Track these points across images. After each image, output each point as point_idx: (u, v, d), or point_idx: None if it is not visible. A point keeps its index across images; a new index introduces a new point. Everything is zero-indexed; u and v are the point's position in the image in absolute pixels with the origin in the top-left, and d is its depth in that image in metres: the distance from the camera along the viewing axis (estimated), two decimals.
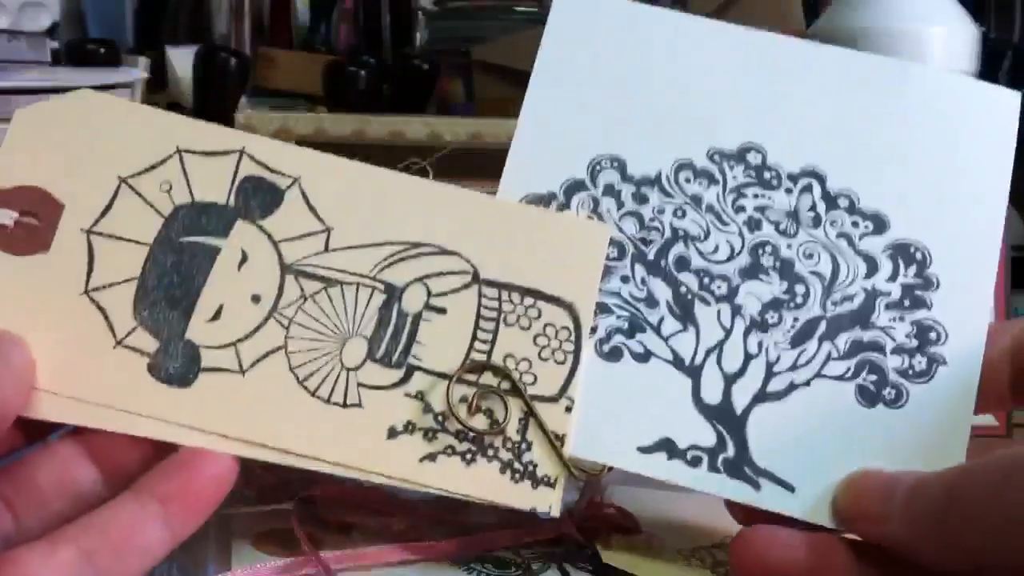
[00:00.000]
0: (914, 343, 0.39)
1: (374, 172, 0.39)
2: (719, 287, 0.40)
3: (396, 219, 0.38)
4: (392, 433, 0.36)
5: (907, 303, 0.40)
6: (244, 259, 0.37)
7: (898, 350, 0.39)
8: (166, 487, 0.34)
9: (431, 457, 0.36)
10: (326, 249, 0.37)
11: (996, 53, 0.93)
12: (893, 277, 0.40)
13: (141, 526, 0.33)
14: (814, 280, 0.40)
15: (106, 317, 0.36)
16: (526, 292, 0.38)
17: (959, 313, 0.39)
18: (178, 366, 0.36)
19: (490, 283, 0.38)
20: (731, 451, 0.38)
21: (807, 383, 0.39)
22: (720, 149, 0.41)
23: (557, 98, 0.42)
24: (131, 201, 0.37)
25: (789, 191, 0.41)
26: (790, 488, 0.38)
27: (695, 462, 0.38)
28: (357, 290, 0.37)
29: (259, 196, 0.38)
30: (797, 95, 0.41)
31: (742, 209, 0.40)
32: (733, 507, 0.39)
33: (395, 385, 0.37)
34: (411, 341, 0.37)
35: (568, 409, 0.37)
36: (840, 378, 0.39)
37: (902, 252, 0.40)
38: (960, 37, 0.78)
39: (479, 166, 0.72)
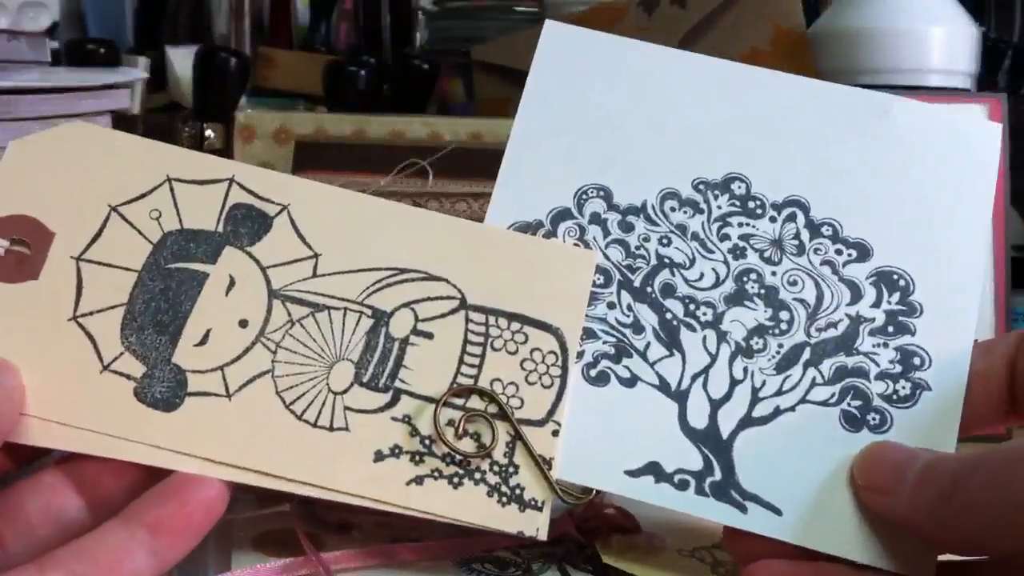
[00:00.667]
0: (898, 369, 0.40)
1: (362, 200, 0.39)
2: (704, 313, 0.40)
3: (384, 245, 0.38)
4: (379, 456, 0.36)
5: (891, 329, 0.40)
6: (232, 284, 0.37)
7: (882, 376, 0.40)
8: (156, 514, 0.34)
9: (418, 480, 0.36)
10: (314, 275, 0.38)
11: (996, 53, 0.93)
12: (877, 303, 0.40)
13: (129, 553, 0.33)
14: (798, 307, 0.40)
15: (94, 343, 0.36)
16: (513, 317, 0.38)
17: (942, 339, 0.40)
18: (164, 390, 0.36)
19: (477, 308, 0.38)
20: (718, 475, 0.38)
21: (792, 408, 0.39)
22: (705, 179, 0.42)
23: (545, 128, 0.43)
24: (121, 228, 0.38)
25: (773, 220, 0.41)
26: (777, 511, 0.38)
27: (682, 486, 0.38)
28: (344, 315, 0.37)
29: (248, 223, 0.38)
30: (781, 127, 0.42)
31: (727, 237, 0.41)
32: (731, 543, 0.39)
33: (382, 409, 0.37)
34: (398, 365, 0.37)
35: (555, 433, 0.38)
36: (825, 403, 0.39)
37: (885, 279, 0.41)
38: (960, 37, 0.78)
39: (479, 166, 0.72)
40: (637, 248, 0.41)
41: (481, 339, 0.38)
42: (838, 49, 0.79)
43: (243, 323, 0.37)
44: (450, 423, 0.37)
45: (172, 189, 0.38)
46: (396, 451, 0.37)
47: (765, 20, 0.83)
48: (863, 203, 0.41)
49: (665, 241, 0.41)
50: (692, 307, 0.40)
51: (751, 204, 0.41)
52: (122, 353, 0.36)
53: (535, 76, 0.44)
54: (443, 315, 0.38)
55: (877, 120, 0.42)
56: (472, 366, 0.38)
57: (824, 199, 0.41)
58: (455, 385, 0.37)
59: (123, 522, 0.34)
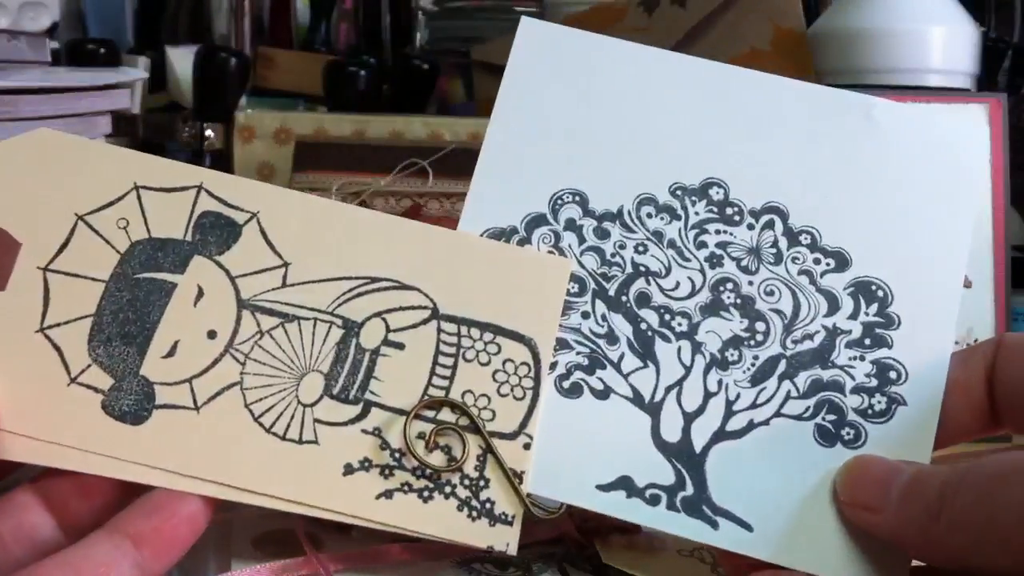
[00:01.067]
0: (874, 383, 0.39)
1: (334, 207, 0.39)
2: (680, 324, 0.39)
3: (355, 254, 0.38)
4: (348, 470, 0.36)
5: (868, 342, 0.39)
6: (200, 295, 0.37)
7: (857, 389, 0.39)
8: (140, 527, 0.34)
9: (387, 494, 0.36)
10: (284, 284, 0.37)
11: (996, 53, 0.93)
12: (854, 315, 0.40)
13: (114, 564, 0.33)
14: (775, 318, 0.40)
15: (61, 355, 0.36)
16: (485, 327, 0.38)
17: (920, 352, 0.39)
18: (132, 403, 0.36)
19: (449, 318, 0.38)
20: (690, 490, 0.38)
21: (766, 422, 0.39)
22: (682, 184, 0.41)
23: (519, 132, 0.41)
24: (88, 238, 0.37)
25: (751, 227, 0.40)
26: (748, 527, 0.37)
27: (653, 500, 0.38)
28: (315, 325, 0.37)
29: (216, 231, 0.38)
30: (760, 130, 0.41)
31: (704, 245, 0.40)
32: (724, 557, 0.39)
33: (352, 421, 0.37)
34: (368, 377, 0.37)
35: (526, 446, 0.37)
36: (799, 417, 0.39)
37: (863, 290, 0.40)
38: (960, 37, 0.78)
39: None
40: (613, 256, 0.40)
41: (453, 350, 0.37)
42: (838, 49, 0.79)
43: (211, 334, 0.36)
44: (421, 436, 0.37)
45: (140, 197, 0.38)
46: (366, 464, 0.36)
47: (765, 20, 0.83)
48: (842, 210, 0.40)
49: (641, 249, 0.40)
50: (667, 317, 0.39)
51: (729, 211, 0.40)
52: (89, 365, 0.36)
53: (510, 76, 0.42)
54: (414, 325, 0.37)
55: (857, 123, 0.41)
56: (444, 377, 0.37)
57: (803, 206, 0.40)
58: (426, 397, 0.37)
59: (108, 534, 0.34)
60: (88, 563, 0.33)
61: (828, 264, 0.40)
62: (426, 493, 0.36)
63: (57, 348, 0.36)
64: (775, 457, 0.38)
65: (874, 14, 0.78)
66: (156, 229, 0.37)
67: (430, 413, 0.37)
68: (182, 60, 1.00)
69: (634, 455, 0.38)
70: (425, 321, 0.37)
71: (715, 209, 0.41)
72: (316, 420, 0.36)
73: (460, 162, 0.72)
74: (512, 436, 0.37)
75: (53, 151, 0.38)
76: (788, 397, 0.39)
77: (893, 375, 0.39)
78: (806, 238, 0.40)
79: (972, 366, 0.38)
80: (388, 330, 0.37)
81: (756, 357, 0.39)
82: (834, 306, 0.40)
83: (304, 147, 0.76)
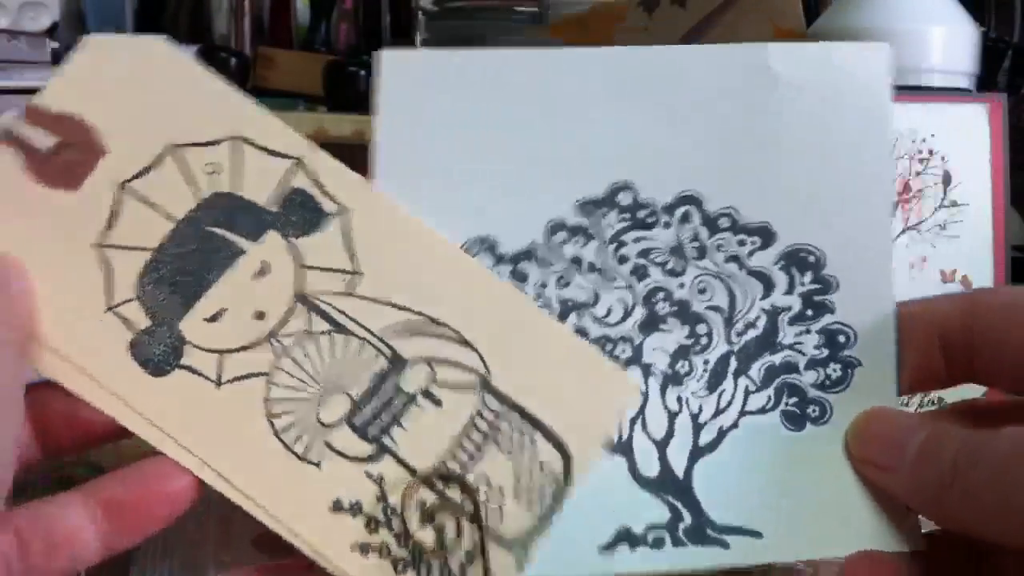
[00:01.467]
0: (825, 352, 0.38)
1: (428, 234, 0.36)
2: (623, 351, 0.38)
3: (428, 288, 0.35)
4: (337, 507, 0.34)
5: (810, 312, 0.38)
6: (263, 271, 0.35)
7: (811, 364, 0.38)
8: (118, 495, 0.33)
9: (363, 548, 0.34)
10: (348, 292, 0.35)
11: (996, 53, 0.93)
12: (790, 289, 0.38)
13: (79, 532, 0.32)
14: (713, 316, 0.38)
15: (109, 277, 0.34)
16: (528, 419, 0.35)
17: (864, 310, 0.38)
18: (159, 353, 0.34)
19: (497, 394, 0.35)
20: (688, 519, 0.37)
21: (735, 424, 0.37)
22: (589, 197, 0.38)
23: (406, 188, 0.37)
24: (173, 170, 0.35)
25: (668, 225, 0.38)
26: (758, 535, 0.36)
27: (657, 543, 0.36)
28: (362, 346, 0.35)
29: (302, 212, 0.35)
30: (661, 113, 0.38)
31: (625, 259, 0.38)
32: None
33: (360, 460, 0.35)
34: (394, 421, 0.35)
35: (520, 566, 0.34)
36: (763, 411, 0.38)
37: (794, 260, 0.38)
38: (960, 37, 0.78)
39: None
40: (537, 298, 0.37)
41: (487, 428, 0.35)
42: None
43: (259, 315, 0.35)
44: (420, 503, 0.34)
45: (240, 148, 0.35)
46: (355, 508, 0.34)
47: (765, 20, 0.83)
48: (758, 180, 0.38)
49: (563, 282, 0.37)
50: (609, 347, 0.37)
51: (641, 213, 0.38)
52: (132, 299, 0.34)
53: (383, 122, 0.37)
54: (460, 387, 0.35)
55: (757, 78, 0.38)
56: (467, 453, 0.35)
57: (717, 187, 0.37)
58: (442, 466, 0.35)
59: (84, 497, 0.33)
60: (56, 524, 0.32)
61: (754, 242, 0.38)
62: (401, 566, 0.34)
63: (108, 268, 0.34)
64: (754, 457, 0.37)
65: (874, 14, 0.78)
66: (243, 186, 0.35)
67: (439, 484, 0.35)
68: None
69: (622, 502, 0.36)
70: (472, 387, 0.35)
71: (627, 216, 0.38)
72: (326, 443, 0.35)
73: None
74: (509, 546, 0.35)
75: (166, 66, 0.36)
76: (747, 393, 0.38)
77: (842, 339, 0.38)
78: (726, 221, 0.38)
79: (927, 321, 0.37)
80: (432, 380, 0.35)
81: (707, 362, 0.38)
82: (768, 285, 0.38)
83: None
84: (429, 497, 0.35)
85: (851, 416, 0.37)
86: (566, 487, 0.35)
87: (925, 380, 0.38)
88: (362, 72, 0.90)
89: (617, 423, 0.36)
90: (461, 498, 0.35)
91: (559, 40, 0.87)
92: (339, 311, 0.35)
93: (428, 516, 0.35)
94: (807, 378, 0.38)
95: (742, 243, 0.38)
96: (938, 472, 0.33)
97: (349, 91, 0.90)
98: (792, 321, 0.38)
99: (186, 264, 0.35)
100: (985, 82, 0.88)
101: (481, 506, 0.35)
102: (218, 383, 0.34)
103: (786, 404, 0.38)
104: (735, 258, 0.38)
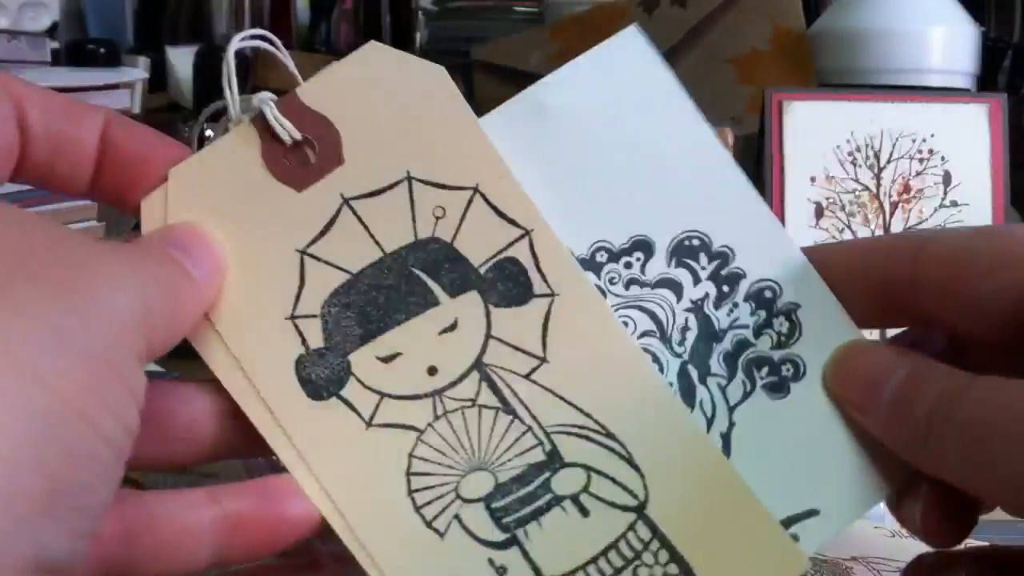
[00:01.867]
0: (763, 314, 0.37)
1: (621, 337, 0.35)
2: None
3: (607, 397, 0.34)
4: None
5: (725, 288, 0.37)
6: (452, 328, 0.33)
7: (758, 331, 0.37)
8: (237, 504, 0.31)
9: None
10: (527, 376, 0.33)
11: (996, 53, 0.93)
12: (696, 279, 0.37)
13: (196, 535, 0.30)
14: (649, 341, 0.36)
15: (300, 287, 0.33)
16: (677, 560, 0.33)
17: (770, 261, 0.37)
18: (322, 377, 0.33)
19: (649, 523, 0.33)
20: None
21: (731, 424, 0.36)
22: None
23: None
24: (402, 202, 0.34)
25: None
26: (815, 512, 0.35)
27: None
28: (524, 434, 0.33)
29: (510, 285, 0.34)
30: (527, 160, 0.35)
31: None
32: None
33: (488, 545, 0.33)
34: (535, 517, 0.33)
35: None
36: (746, 396, 0.36)
37: (683, 252, 0.37)
38: (960, 37, 0.78)
39: None
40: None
41: (631, 555, 0.33)
42: (838, 49, 0.79)
43: (432, 370, 0.33)
44: None
45: (471, 201, 0.34)
46: None
47: (765, 20, 0.83)
48: (608, 206, 0.36)
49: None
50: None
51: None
52: (315, 316, 0.33)
53: None
54: (612, 505, 0.33)
55: (535, 117, 0.36)
56: (601, 574, 0.33)
57: (577, 230, 0.36)
58: None
59: (208, 498, 0.31)
60: (172, 520, 0.30)
61: (638, 258, 0.37)
62: None
63: (302, 278, 0.33)
64: (766, 443, 0.36)
65: (874, 14, 0.78)
66: (462, 239, 0.34)
67: None
68: (182, 60, 1.00)
69: None
70: (624, 509, 0.33)
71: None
72: (457, 516, 0.33)
73: None
74: None
75: (436, 94, 0.34)
76: (722, 389, 0.37)
77: (769, 293, 0.37)
78: (602, 255, 0.37)
79: (878, 260, 0.35)
80: (585, 489, 0.33)
81: (671, 384, 0.36)
82: (675, 287, 0.37)
83: None
84: None
85: (819, 357, 0.36)
86: None
87: (867, 320, 0.36)
88: None
89: None
90: None
91: (559, 41, 0.87)
92: (513, 392, 0.33)
93: None
94: (763, 344, 0.37)
95: (628, 265, 0.37)
96: (912, 425, 0.31)
97: None
98: (717, 304, 0.37)
99: (378, 297, 0.33)
100: (985, 82, 0.88)
101: None
102: (368, 423, 0.33)
103: (761, 378, 0.37)
104: (633, 281, 0.37)
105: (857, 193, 0.70)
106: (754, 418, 0.36)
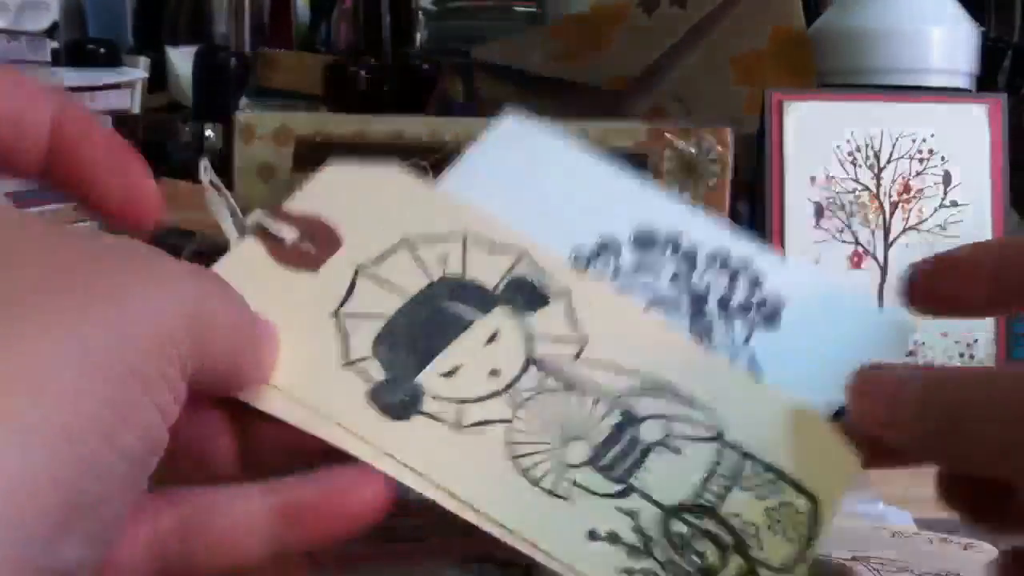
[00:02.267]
0: (726, 272, 0.42)
1: (635, 309, 0.40)
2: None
3: (651, 353, 0.38)
4: (593, 536, 0.35)
5: (687, 263, 0.42)
6: (494, 337, 0.37)
7: (731, 286, 0.41)
8: (298, 495, 0.31)
9: (629, 572, 0.34)
10: (577, 358, 0.37)
11: (996, 53, 0.93)
12: (663, 261, 0.42)
13: (251, 528, 0.30)
14: (658, 310, 0.41)
15: (345, 339, 0.36)
16: (769, 468, 0.37)
17: (701, 225, 0.42)
18: (398, 400, 0.35)
19: (734, 447, 0.37)
20: None
21: (753, 355, 0.41)
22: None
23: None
24: (406, 258, 0.38)
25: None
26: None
27: None
28: (595, 404, 0.37)
29: (526, 293, 0.38)
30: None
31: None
32: None
33: (610, 496, 0.35)
34: (637, 465, 0.36)
35: None
36: (751, 332, 0.40)
37: (643, 240, 0.42)
38: (960, 37, 0.78)
39: None
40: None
41: (730, 474, 0.36)
42: (838, 49, 0.79)
43: (494, 372, 0.36)
44: (678, 535, 0.35)
45: (465, 243, 0.39)
46: (612, 538, 0.35)
47: (765, 20, 0.83)
48: (566, 214, 0.42)
49: None
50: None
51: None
52: (368, 357, 0.36)
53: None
54: (697, 439, 0.37)
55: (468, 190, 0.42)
56: (714, 494, 0.36)
57: (557, 242, 0.41)
58: (695, 503, 0.36)
59: (261, 493, 0.31)
60: (226, 515, 0.30)
61: (609, 258, 0.43)
62: None
63: (344, 332, 0.36)
64: (785, 360, 0.40)
65: (874, 14, 0.78)
66: (471, 273, 0.38)
67: (693, 519, 0.35)
68: (182, 60, 1.00)
69: None
70: (708, 439, 0.37)
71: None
72: (574, 481, 0.35)
73: None
74: (778, 572, 0.35)
75: (398, 185, 0.40)
76: (729, 333, 0.41)
77: (724, 253, 0.42)
78: (582, 261, 0.42)
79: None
80: (668, 433, 0.37)
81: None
82: (651, 270, 0.42)
83: (304, 147, 0.76)
84: (685, 530, 0.35)
85: (789, 288, 0.41)
86: (819, 527, 0.36)
87: (960, 309, 0.38)
88: (362, 72, 0.90)
89: (851, 471, 0.37)
90: (720, 530, 0.35)
91: (559, 41, 0.87)
92: (571, 373, 0.37)
93: (687, 546, 0.35)
94: (739, 295, 0.41)
95: (606, 262, 0.42)
96: (938, 419, 0.32)
97: (349, 91, 0.90)
98: (688, 276, 0.42)
99: (420, 331, 0.37)
100: (985, 82, 0.88)
101: (743, 537, 0.35)
102: (458, 427, 0.36)
103: (754, 318, 0.41)
104: (615, 272, 0.41)
105: (857, 193, 0.70)
106: (766, 344, 0.41)
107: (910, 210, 0.71)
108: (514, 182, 0.43)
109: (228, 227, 0.38)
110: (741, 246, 0.42)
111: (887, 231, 0.70)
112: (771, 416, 0.38)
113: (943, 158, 0.71)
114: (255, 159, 0.80)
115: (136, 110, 0.93)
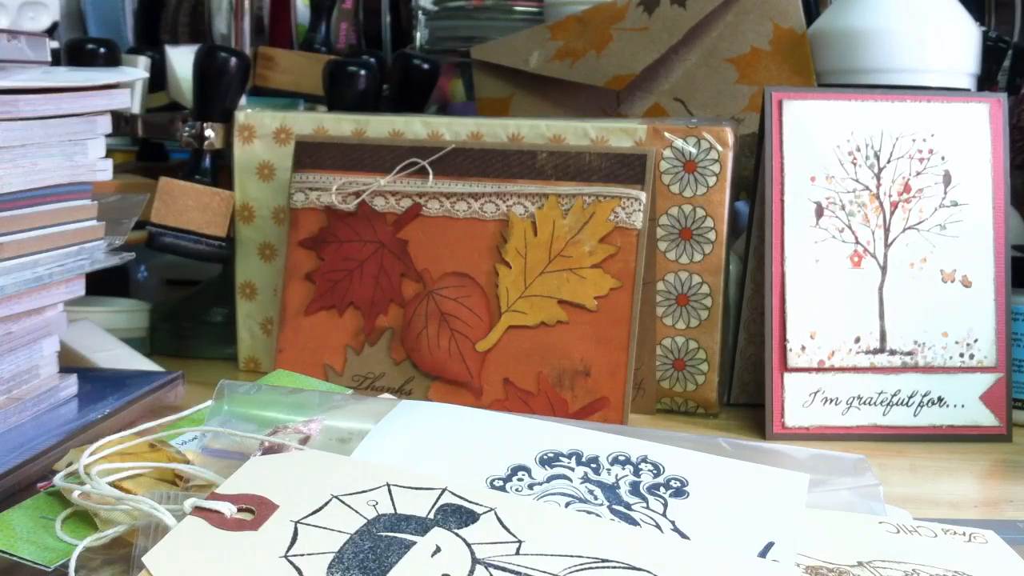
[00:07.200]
0: (629, 466, 0.48)
1: (558, 513, 0.44)
2: None
3: (592, 542, 0.41)
4: None
5: (592, 466, 0.48)
6: (438, 550, 0.40)
7: (636, 475, 0.48)
8: None
9: None
10: (517, 553, 0.40)
11: (996, 53, 0.93)
12: (571, 469, 0.48)
13: None
14: (579, 505, 0.46)
15: (300, 572, 0.39)
16: None
17: (597, 439, 0.50)
18: None
19: None
20: None
21: (674, 522, 0.45)
22: None
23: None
24: (339, 508, 0.42)
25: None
26: (771, 543, 0.42)
27: None
28: None
29: (456, 515, 0.42)
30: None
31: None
32: None
33: None
34: None
35: None
36: (666, 505, 0.46)
37: (549, 460, 0.49)
38: (960, 37, 0.78)
39: (479, 166, 0.72)
40: None
41: None
42: (838, 49, 0.79)
43: None
44: None
45: (390, 490, 0.43)
46: None
47: (765, 20, 0.83)
48: (481, 455, 0.49)
49: None
50: None
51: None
52: None
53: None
54: None
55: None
56: None
57: (475, 473, 0.47)
58: None
59: None
60: None
61: (521, 476, 0.48)
62: None
63: (298, 570, 0.39)
64: (703, 523, 0.45)
65: (874, 14, 0.78)
66: (401, 509, 0.42)
67: None
68: (182, 60, 1.00)
69: None
70: None
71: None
72: None
73: (460, 162, 0.72)
74: None
75: (315, 461, 0.46)
76: (647, 509, 0.46)
77: (623, 458, 0.49)
78: (499, 482, 0.47)
79: None
80: None
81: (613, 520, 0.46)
82: (562, 478, 0.47)
83: (304, 147, 0.76)
84: None
85: (687, 469, 0.49)
86: None
87: None
88: (362, 72, 0.90)
89: None
90: None
91: (559, 41, 0.87)
92: (516, 565, 0.40)
93: None
94: (646, 478, 0.48)
95: (520, 480, 0.48)
96: None
97: (349, 91, 0.90)
98: (596, 475, 0.48)
99: (367, 556, 0.40)
100: (985, 82, 0.88)
101: None
102: None
103: (664, 495, 0.47)
104: (532, 486, 0.47)
105: (857, 193, 0.70)
106: (683, 511, 0.45)
107: (910, 210, 0.71)
108: (420, 444, 0.49)
109: (164, 515, 0.41)
110: (636, 446, 0.49)
111: (887, 231, 0.70)
112: (709, 570, 0.41)
113: (943, 158, 0.71)
114: (255, 158, 0.80)
115: (136, 110, 0.92)
